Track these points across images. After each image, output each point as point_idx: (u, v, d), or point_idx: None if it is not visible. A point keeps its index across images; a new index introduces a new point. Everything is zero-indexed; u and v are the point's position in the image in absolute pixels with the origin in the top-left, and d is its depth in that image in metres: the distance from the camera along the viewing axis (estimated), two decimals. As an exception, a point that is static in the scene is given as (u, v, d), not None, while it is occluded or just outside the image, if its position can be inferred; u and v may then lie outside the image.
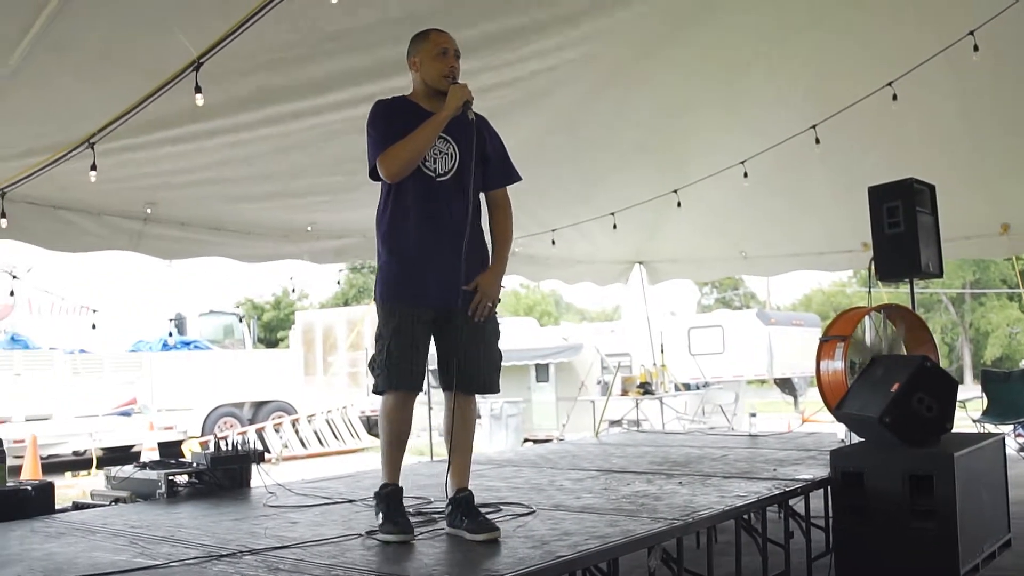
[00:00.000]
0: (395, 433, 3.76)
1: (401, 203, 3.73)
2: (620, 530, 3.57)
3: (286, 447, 16.72)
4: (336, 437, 18.16)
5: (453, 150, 3.78)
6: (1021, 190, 9.06)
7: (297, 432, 17.63)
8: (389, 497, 3.67)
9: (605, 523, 3.76)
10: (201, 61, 4.71)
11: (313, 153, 6.64)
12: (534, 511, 4.14)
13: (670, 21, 6.55)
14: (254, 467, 5.41)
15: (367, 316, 19.65)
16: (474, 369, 3.82)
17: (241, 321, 20.39)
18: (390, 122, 3.72)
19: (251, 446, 5.59)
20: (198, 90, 4.70)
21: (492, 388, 3.88)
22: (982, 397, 10.64)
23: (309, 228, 8.21)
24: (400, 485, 3.74)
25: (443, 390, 3.86)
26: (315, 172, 7.03)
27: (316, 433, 17.92)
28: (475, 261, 3.79)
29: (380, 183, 3.81)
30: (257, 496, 5.00)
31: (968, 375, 40.66)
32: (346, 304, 36.86)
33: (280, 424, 17.41)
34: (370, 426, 19.52)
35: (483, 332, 3.83)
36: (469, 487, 3.79)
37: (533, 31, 5.88)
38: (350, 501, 4.65)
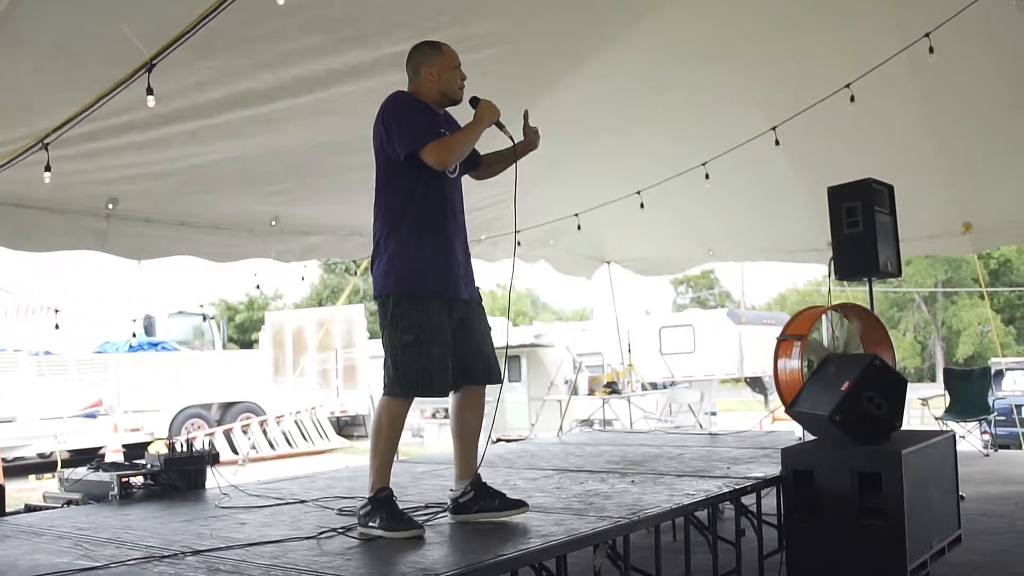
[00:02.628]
0: (397, 437, 3.85)
1: (430, 195, 3.85)
2: (565, 529, 3.58)
3: (254, 448, 16.62)
4: (305, 438, 18.10)
5: None
6: (981, 190, 9.16)
7: (265, 433, 17.55)
8: (389, 500, 3.71)
9: (551, 522, 3.76)
10: (153, 63, 4.67)
11: (276, 141, 6.57)
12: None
13: (623, 16, 6.52)
14: (209, 468, 5.38)
15: (336, 316, 19.57)
16: (494, 360, 4.00)
17: (205, 320, 20.26)
18: (425, 114, 3.90)
19: (205, 447, 5.56)
20: (150, 91, 4.65)
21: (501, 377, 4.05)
22: (945, 395, 10.73)
23: (273, 223, 8.15)
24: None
25: (458, 386, 3.92)
26: (280, 161, 6.96)
27: (285, 434, 17.84)
28: (469, 252, 4.07)
29: (386, 174, 3.87)
30: (211, 497, 4.98)
31: (940, 373, 40.98)
32: (320, 304, 36.77)
33: (248, 425, 17.33)
34: (339, 427, 19.47)
35: (488, 323, 4.05)
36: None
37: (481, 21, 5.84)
38: (302, 502, 4.64)
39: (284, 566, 3.12)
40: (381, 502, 3.69)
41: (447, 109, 4.09)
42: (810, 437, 5.49)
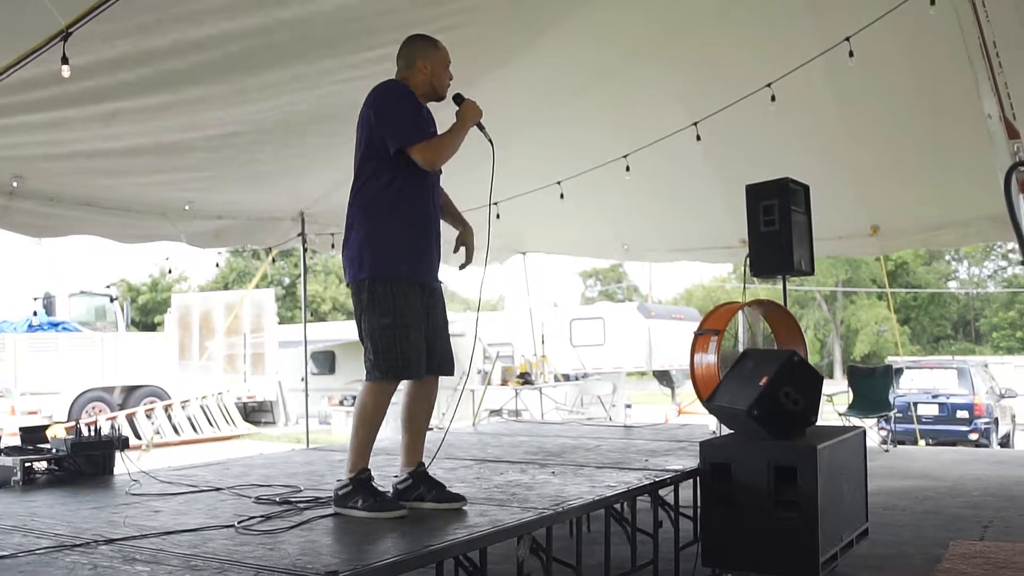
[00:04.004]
0: (380, 420, 3.88)
1: (412, 181, 3.89)
2: (489, 520, 3.56)
3: (158, 433, 16.26)
4: (211, 424, 17.78)
5: None
6: (890, 194, 9.43)
7: (170, 418, 17.19)
8: (370, 483, 3.78)
9: (475, 513, 3.74)
10: (70, 31, 4.50)
11: (193, 124, 6.42)
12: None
13: (552, 12, 6.51)
14: (118, 454, 5.22)
15: (246, 300, 19.24)
16: (449, 353, 4.09)
17: (113, 302, 19.77)
18: (417, 109, 3.93)
19: (115, 432, 5.40)
20: (65, 61, 4.50)
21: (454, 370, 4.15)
22: (848, 391, 11.02)
23: (187, 207, 7.96)
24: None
25: (421, 376, 3.92)
26: (196, 146, 6.80)
27: (190, 419, 17.50)
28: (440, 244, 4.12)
29: (369, 158, 3.88)
30: (120, 484, 4.82)
31: (838, 370, 42.19)
32: (226, 288, 36.10)
33: (152, 410, 16.95)
34: (246, 413, 19.13)
35: (446, 315, 4.11)
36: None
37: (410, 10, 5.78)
38: (217, 489, 4.52)
39: (204, 555, 3.03)
40: (362, 483, 3.76)
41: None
42: (726, 431, 5.57)
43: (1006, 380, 17.24)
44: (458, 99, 4.05)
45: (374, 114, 3.86)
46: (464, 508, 3.84)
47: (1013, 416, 16.73)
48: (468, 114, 3.98)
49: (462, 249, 4.27)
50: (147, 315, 39.97)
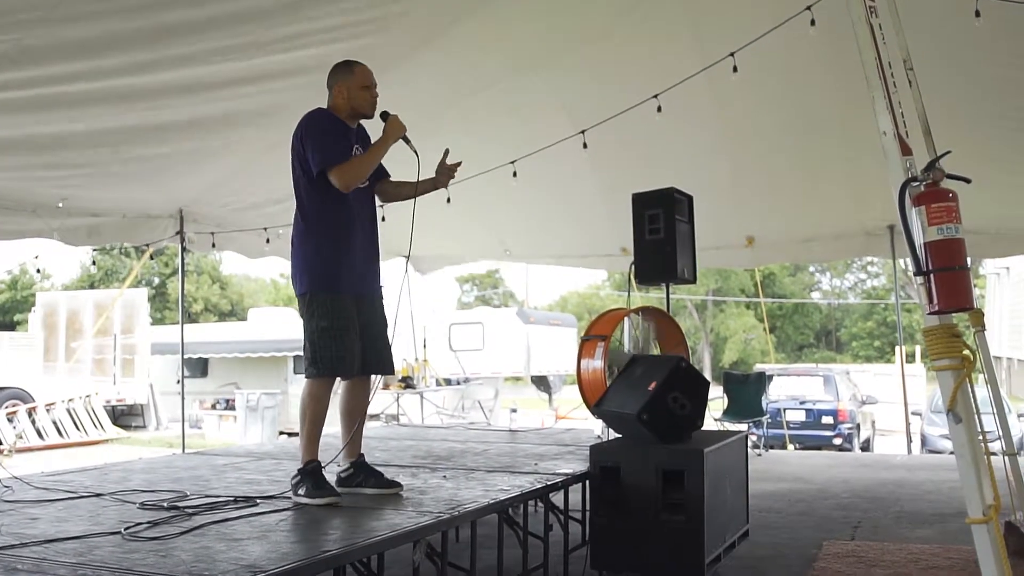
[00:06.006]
0: (323, 414, 4.25)
1: (342, 205, 4.25)
2: (386, 524, 3.54)
3: (20, 437, 15.58)
4: (78, 428, 17.11)
5: None
6: (766, 207, 9.75)
7: (34, 422, 16.48)
8: (316, 471, 4.14)
9: (371, 517, 3.72)
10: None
11: (71, 121, 6.19)
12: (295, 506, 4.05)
13: (433, 20, 6.49)
14: (-12, 459, 4.99)
15: (119, 301, 18.61)
16: (387, 353, 4.45)
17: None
18: (337, 135, 4.29)
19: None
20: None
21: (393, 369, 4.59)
22: (723, 397, 11.33)
23: (60, 204, 7.68)
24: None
25: (353, 373, 4.30)
26: (72, 142, 6.56)
27: (56, 423, 16.82)
28: (377, 254, 4.50)
29: (301, 182, 4.25)
30: (-10, 490, 4.60)
31: (708, 376, 43.22)
32: (92, 287, 34.87)
33: (15, 413, 16.22)
34: (115, 416, 18.48)
35: (386, 319, 4.50)
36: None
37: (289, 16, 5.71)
38: (98, 495, 4.36)
39: (92, 564, 2.92)
40: (308, 472, 4.12)
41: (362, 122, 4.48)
42: (612, 435, 5.65)
43: (866, 387, 17.99)
44: (384, 116, 4.36)
45: (300, 142, 4.24)
46: (401, 494, 4.26)
47: (873, 422, 17.49)
48: (390, 131, 4.31)
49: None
50: (6, 314, 38.28)
